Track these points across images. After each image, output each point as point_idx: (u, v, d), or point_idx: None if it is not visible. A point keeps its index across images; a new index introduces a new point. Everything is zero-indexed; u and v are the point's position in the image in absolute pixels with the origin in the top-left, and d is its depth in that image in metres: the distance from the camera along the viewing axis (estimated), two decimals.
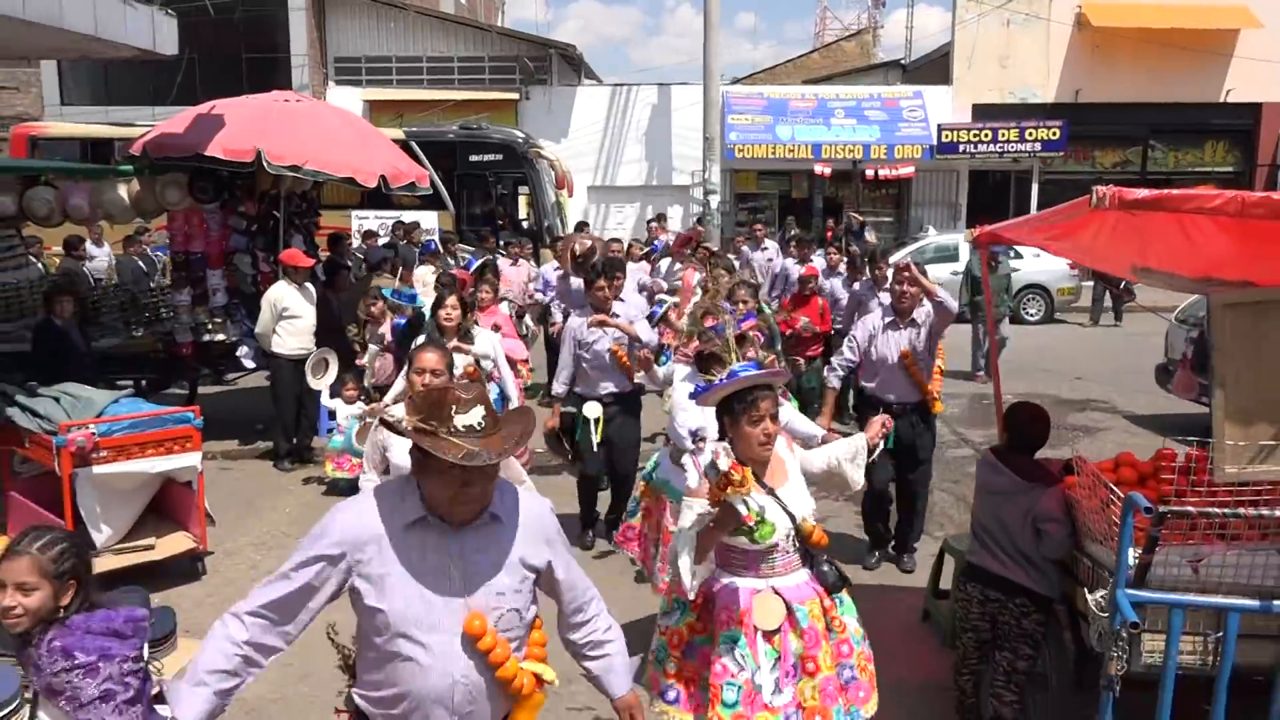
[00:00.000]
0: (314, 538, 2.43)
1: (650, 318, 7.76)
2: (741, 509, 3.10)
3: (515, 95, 23.17)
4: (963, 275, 12.38)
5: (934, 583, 5.46)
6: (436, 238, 14.78)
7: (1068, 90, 22.26)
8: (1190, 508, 3.20)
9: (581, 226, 15.10)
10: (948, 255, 17.15)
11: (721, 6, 17.67)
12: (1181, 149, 22.93)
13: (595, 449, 6.46)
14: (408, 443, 3.40)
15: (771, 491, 3.33)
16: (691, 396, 3.81)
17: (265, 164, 8.25)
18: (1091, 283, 16.82)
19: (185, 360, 9.51)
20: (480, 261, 10.22)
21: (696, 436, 4.47)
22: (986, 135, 21.34)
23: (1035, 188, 22.31)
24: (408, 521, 2.39)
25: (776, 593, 3.32)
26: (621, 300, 6.69)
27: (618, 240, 11.77)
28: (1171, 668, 3.17)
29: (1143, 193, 2.98)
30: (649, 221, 16.85)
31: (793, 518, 3.32)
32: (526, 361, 9.09)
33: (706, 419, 4.31)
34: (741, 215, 23.15)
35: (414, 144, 15.17)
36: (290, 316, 8.43)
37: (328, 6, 23.37)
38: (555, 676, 2.59)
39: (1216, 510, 3.17)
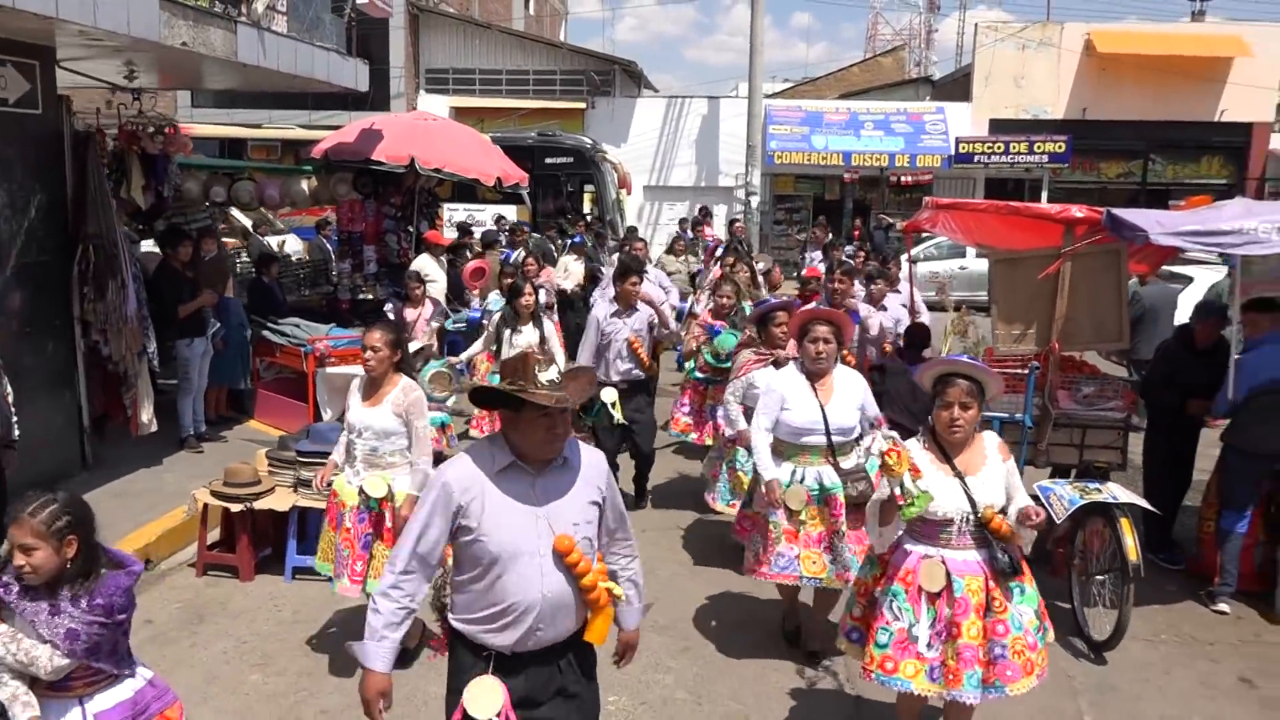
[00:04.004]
0: (427, 491, 2.96)
1: (679, 314, 8.85)
2: (896, 489, 3.55)
3: (582, 105, 25.42)
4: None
5: None
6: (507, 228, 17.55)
7: (1076, 108, 24.29)
8: None
9: (632, 231, 16.61)
10: (957, 251, 19.48)
11: (778, 7, 19.67)
12: (1179, 163, 24.81)
13: (614, 428, 6.92)
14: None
15: (960, 475, 3.67)
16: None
17: (417, 168, 11.03)
18: None
19: (344, 314, 12.46)
20: (517, 253, 11.99)
21: (873, 424, 5.04)
22: (999, 147, 23.21)
23: (1045, 195, 23.94)
24: (500, 468, 2.87)
25: (944, 562, 3.69)
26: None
27: (642, 240, 13.42)
28: None
29: (946, 200, 5.77)
30: (696, 214, 19.09)
31: (973, 503, 3.64)
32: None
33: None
34: (779, 214, 25.57)
35: (499, 147, 17.89)
36: (429, 280, 11.28)
37: (422, 25, 25.86)
38: (622, 592, 3.05)
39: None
